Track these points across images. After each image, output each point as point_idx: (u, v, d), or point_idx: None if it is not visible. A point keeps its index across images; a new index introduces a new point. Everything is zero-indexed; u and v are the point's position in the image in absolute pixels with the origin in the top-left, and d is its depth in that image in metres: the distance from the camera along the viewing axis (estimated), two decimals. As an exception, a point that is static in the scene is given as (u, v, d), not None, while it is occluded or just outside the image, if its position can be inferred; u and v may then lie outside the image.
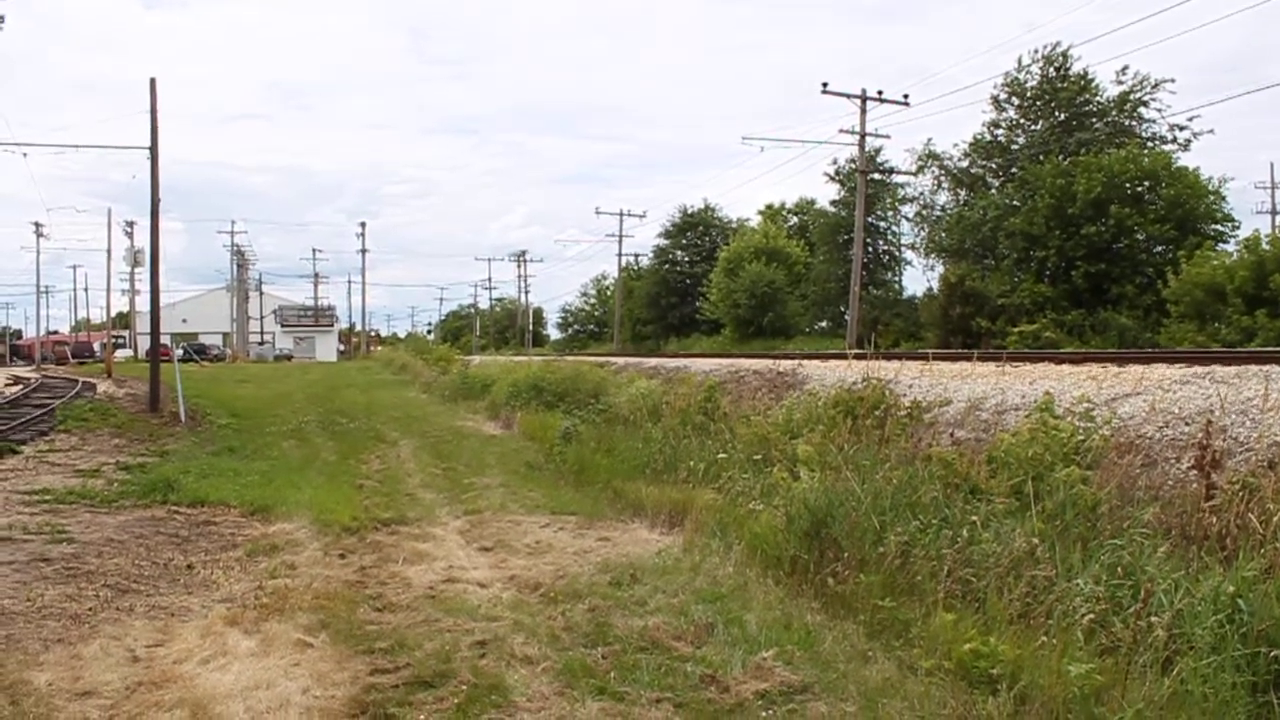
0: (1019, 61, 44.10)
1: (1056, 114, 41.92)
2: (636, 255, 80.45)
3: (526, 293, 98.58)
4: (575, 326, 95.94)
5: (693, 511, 9.81)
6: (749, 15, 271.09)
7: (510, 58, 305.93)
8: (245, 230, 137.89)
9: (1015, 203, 40.05)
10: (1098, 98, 41.62)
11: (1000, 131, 44.61)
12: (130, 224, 63.12)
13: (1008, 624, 5.90)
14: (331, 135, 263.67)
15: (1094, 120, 41.25)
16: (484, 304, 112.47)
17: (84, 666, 5.70)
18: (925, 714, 4.98)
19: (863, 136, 37.97)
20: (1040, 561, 6.39)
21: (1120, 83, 40.82)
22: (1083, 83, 41.18)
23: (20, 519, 10.11)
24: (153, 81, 25.73)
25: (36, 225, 77.14)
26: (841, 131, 37.93)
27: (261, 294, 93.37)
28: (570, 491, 12.52)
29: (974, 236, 42.44)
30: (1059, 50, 41.54)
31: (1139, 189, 36.21)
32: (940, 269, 45.83)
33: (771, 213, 71.15)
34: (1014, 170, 42.54)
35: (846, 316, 42.07)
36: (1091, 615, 5.62)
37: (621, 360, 31.93)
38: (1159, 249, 35.81)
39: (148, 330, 29.68)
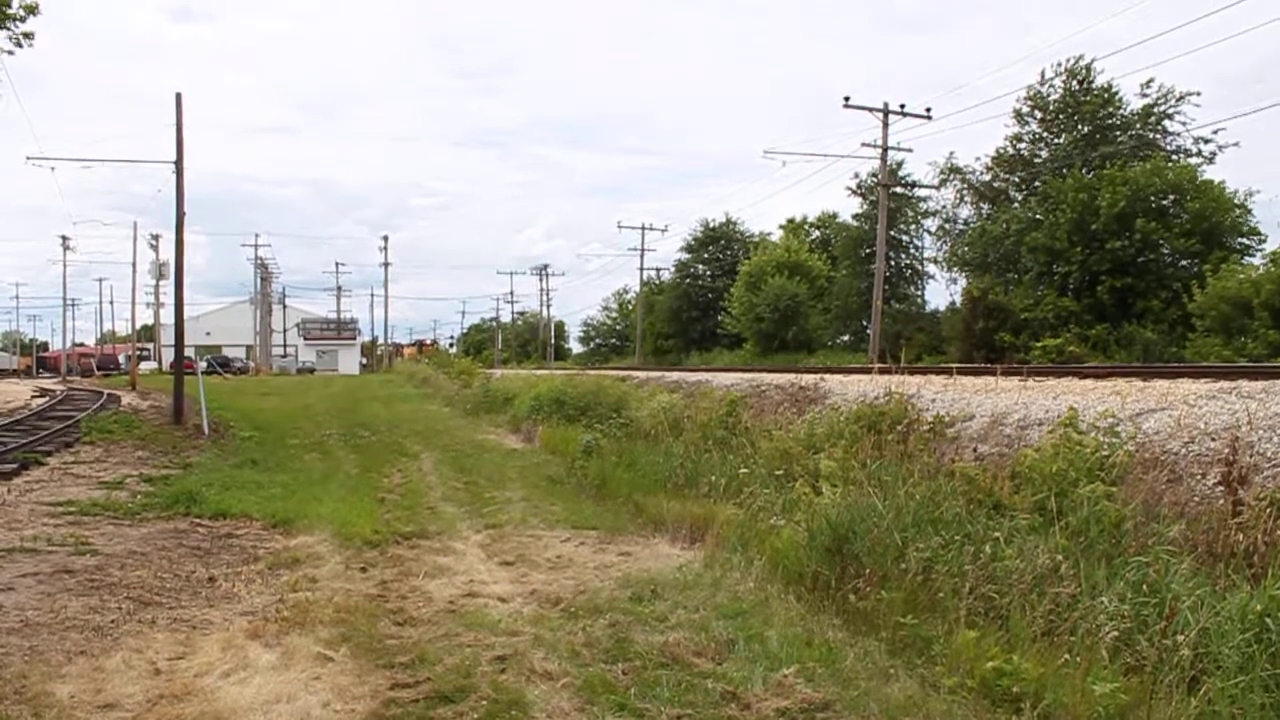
0: (1042, 74, 43.98)
1: (1080, 127, 41.67)
2: (658, 269, 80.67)
3: (548, 306, 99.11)
4: (597, 340, 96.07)
5: (714, 526, 9.77)
6: (774, 28, 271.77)
7: (535, 71, 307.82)
8: (269, 244, 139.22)
9: (1038, 216, 39.86)
10: (1121, 111, 41.37)
11: (1023, 145, 44.45)
12: (155, 237, 63.38)
13: (1031, 642, 5.84)
14: (356, 149, 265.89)
15: (1118, 133, 40.98)
16: (506, 317, 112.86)
17: (106, 679, 5.73)
18: (948, 733, 4.93)
19: (885, 150, 37.95)
20: (1064, 578, 6.34)
21: (1145, 95, 40.58)
22: (1106, 95, 40.95)
23: (45, 530, 10.18)
24: (178, 97, 26.04)
25: (63, 239, 78.22)
26: (864, 145, 38.01)
27: (285, 307, 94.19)
28: (591, 506, 12.51)
29: (996, 250, 42.29)
30: (1082, 63, 41.40)
31: (1164, 202, 35.97)
32: (963, 283, 45.71)
33: (793, 226, 71.03)
34: (1036, 184, 42.35)
35: (869, 330, 41.94)
36: (1116, 633, 5.56)
37: (643, 374, 31.94)
38: (1184, 263, 35.56)
39: (172, 343, 29.91)
